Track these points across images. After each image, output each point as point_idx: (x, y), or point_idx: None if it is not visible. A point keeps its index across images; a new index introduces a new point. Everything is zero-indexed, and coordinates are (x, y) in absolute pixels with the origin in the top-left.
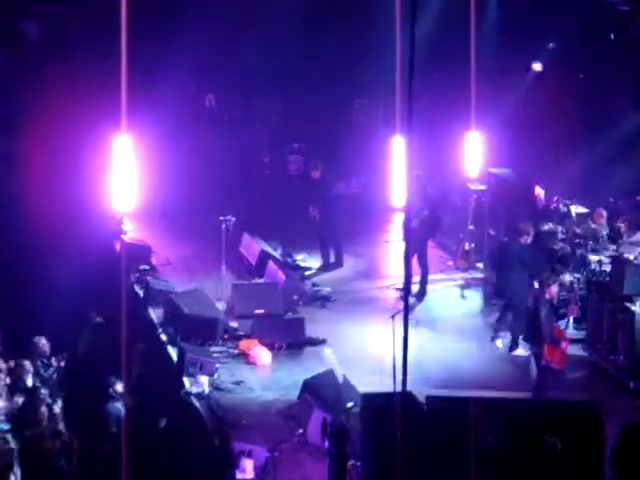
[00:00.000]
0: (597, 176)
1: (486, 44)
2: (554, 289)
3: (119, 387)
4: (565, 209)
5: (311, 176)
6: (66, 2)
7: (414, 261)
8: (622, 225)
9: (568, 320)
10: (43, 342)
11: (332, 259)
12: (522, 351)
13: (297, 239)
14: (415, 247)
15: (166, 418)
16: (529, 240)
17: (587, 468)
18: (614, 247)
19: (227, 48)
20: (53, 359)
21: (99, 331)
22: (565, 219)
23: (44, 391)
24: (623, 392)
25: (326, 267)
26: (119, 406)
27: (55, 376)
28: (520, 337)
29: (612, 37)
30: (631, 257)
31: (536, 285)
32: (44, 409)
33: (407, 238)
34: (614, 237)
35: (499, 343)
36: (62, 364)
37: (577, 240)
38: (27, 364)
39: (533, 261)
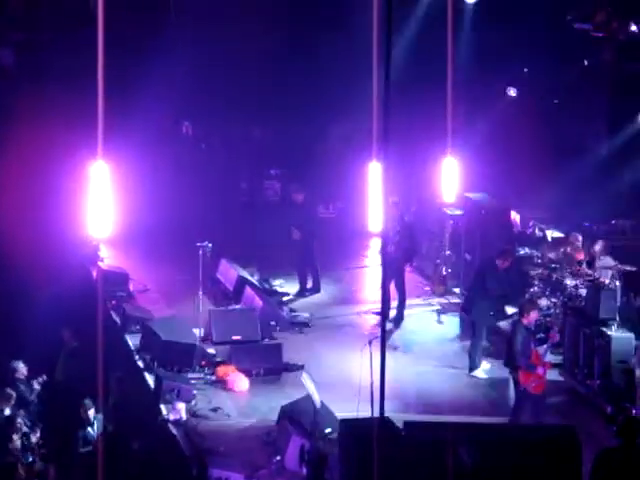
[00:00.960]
0: (573, 200)
1: (461, 69)
2: (533, 315)
3: (92, 412)
4: (541, 234)
5: (294, 199)
6: (42, 30)
7: (391, 286)
8: (596, 249)
9: (548, 346)
10: (21, 365)
11: (310, 284)
12: (481, 373)
13: (274, 265)
14: (392, 272)
15: (140, 442)
16: (507, 264)
17: None
18: (590, 271)
19: (204, 75)
20: (34, 382)
21: (75, 357)
22: (541, 244)
23: (20, 420)
24: (600, 417)
25: (303, 292)
26: (91, 431)
27: (36, 399)
28: (478, 357)
29: (585, 63)
30: (606, 281)
31: (509, 310)
32: (16, 437)
33: (384, 263)
34: (589, 261)
35: (479, 373)
36: (40, 387)
37: (553, 265)
38: (12, 394)
39: (508, 285)
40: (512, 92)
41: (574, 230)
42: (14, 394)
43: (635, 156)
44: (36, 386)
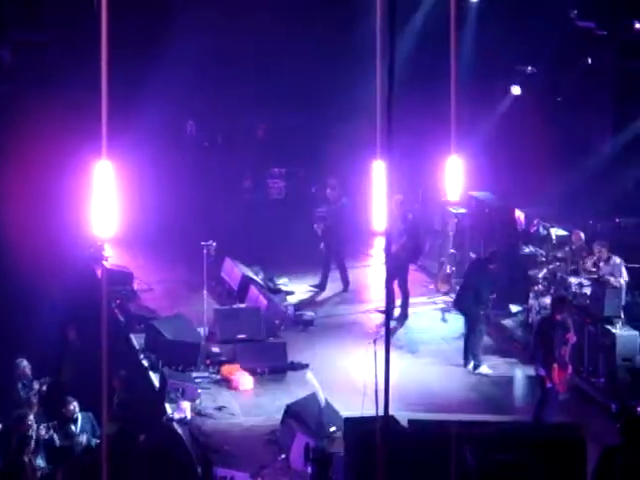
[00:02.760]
0: (577, 199)
1: (465, 68)
2: (565, 312)
3: (72, 407)
4: (545, 232)
5: (327, 195)
6: (44, 29)
7: (395, 285)
8: (601, 248)
9: (568, 347)
10: (25, 364)
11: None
12: (487, 369)
13: (278, 263)
14: (396, 271)
15: (146, 438)
16: (496, 265)
17: None
18: (594, 269)
19: (207, 74)
20: (35, 382)
21: (81, 356)
22: (545, 242)
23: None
24: (605, 415)
25: (323, 287)
26: (73, 428)
27: (35, 399)
28: (480, 355)
29: (589, 61)
30: (611, 279)
31: (514, 308)
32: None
33: (388, 262)
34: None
35: (484, 369)
36: (44, 388)
37: (557, 263)
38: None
39: (509, 284)
40: (516, 90)
41: (578, 228)
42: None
43: (639, 154)
44: (36, 386)
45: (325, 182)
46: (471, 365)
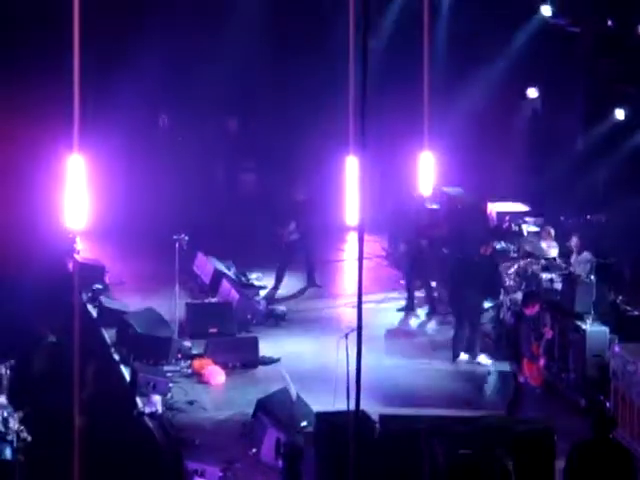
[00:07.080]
0: (549, 195)
1: (436, 65)
2: (535, 307)
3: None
4: (517, 228)
5: (296, 199)
6: (16, 24)
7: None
8: (573, 244)
9: (543, 341)
10: None
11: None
12: (485, 359)
13: (251, 258)
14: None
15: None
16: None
17: None
18: (565, 265)
19: (181, 67)
20: (1, 366)
21: (53, 350)
22: (517, 238)
23: None
24: (574, 410)
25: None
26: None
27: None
28: (475, 348)
29: (561, 58)
30: (582, 275)
31: (486, 304)
32: None
33: (360, 257)
34: (565, 255)
35: (463, 356)
36: (8, 372)
37: (529, 259)
38: None
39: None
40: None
41: (550, 224)
42: None
43: (611, 151)
44: (2, 370)
45: (294, 188)
46: (464, 357)
